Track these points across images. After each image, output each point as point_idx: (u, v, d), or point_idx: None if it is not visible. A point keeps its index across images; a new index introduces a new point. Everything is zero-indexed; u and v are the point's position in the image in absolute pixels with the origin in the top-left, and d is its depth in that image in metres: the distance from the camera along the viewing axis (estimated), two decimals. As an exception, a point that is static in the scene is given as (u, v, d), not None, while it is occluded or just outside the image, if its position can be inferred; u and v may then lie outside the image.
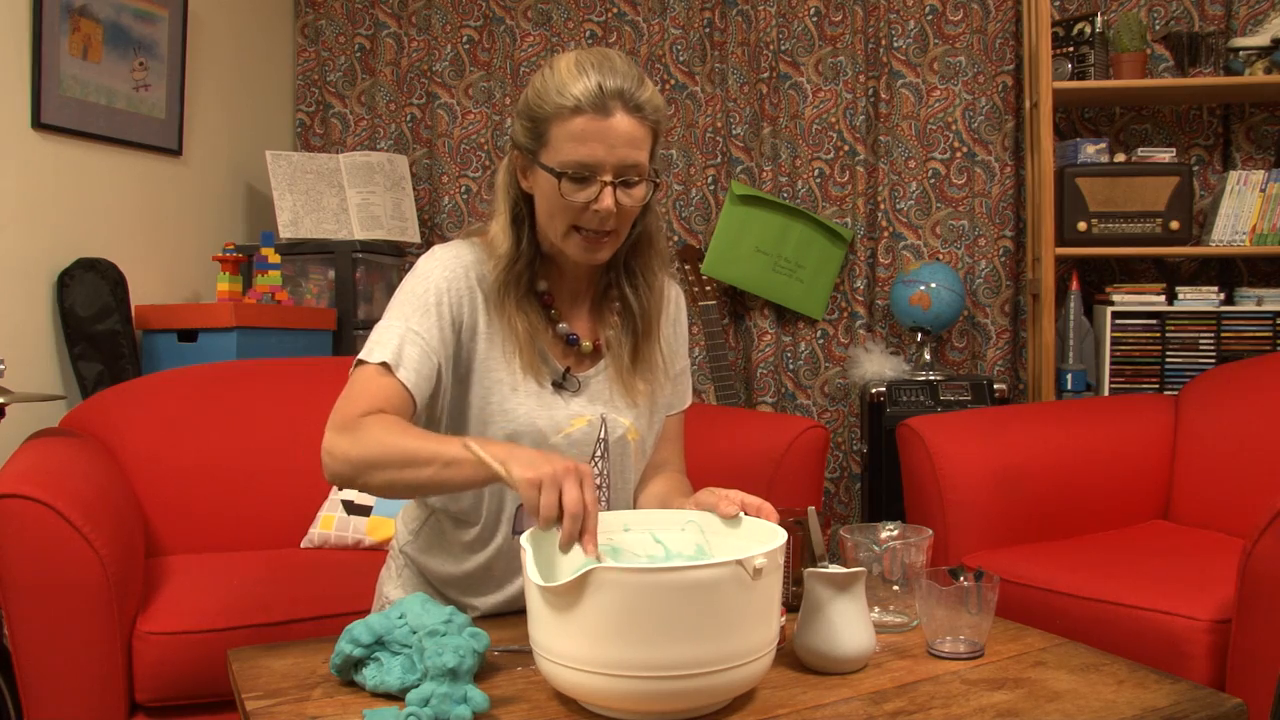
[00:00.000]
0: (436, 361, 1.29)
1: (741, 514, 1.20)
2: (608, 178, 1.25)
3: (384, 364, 1.25)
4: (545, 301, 1.39)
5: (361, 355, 1.28)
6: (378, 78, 3.40)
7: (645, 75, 1.29)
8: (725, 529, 1.19)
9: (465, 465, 1.13)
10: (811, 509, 1.32)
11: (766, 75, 3.19)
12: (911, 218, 3.16)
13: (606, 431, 1.39)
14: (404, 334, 1.27)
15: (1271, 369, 2.32)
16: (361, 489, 1.24)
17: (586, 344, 1.40)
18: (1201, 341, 2.79)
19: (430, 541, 1.43)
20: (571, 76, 1.24)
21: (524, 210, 1.35)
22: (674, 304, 1.52)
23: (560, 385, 1.37)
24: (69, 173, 2.49)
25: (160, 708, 1.68)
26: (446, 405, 1.36)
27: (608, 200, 1.25)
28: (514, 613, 1.36)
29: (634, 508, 1.48)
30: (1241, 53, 2.76)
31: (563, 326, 1.39)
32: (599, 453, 1.39)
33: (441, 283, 1.32)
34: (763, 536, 1.13)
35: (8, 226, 2.30)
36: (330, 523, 2.17)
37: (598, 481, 1.39)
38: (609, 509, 1.39)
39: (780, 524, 1.15)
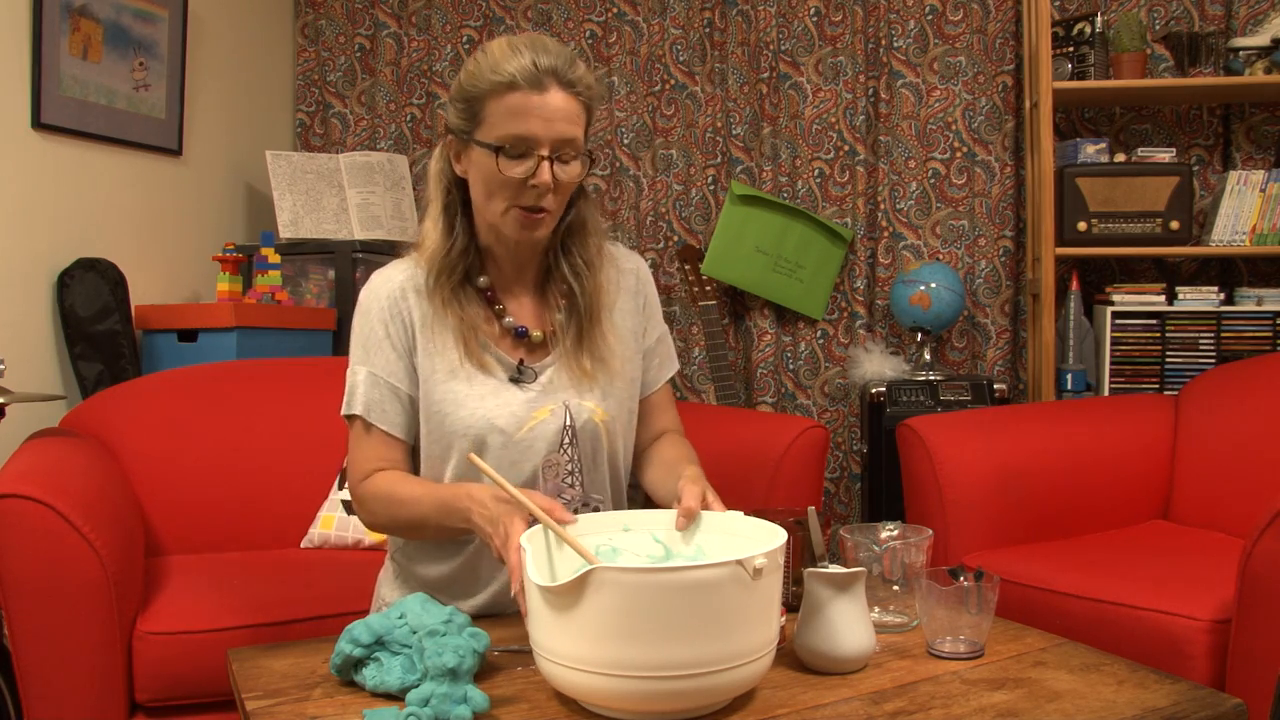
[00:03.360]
0: (405, 395, 1.36)
1: (740, 513, 1.20)
2: (545, 152, 1.27)
3: (362, 417, 1.35)
4: (489, 297, 1.39)
5: (343, 407, 1.38)
6: (378, 78, 3.40)
7: (577, 56, 1.32)
8: (725, 529, 1.19)
9: (454, 517, 1.26)
10: (811, 509, 1.32)
11: (766, 75, 3.19)
12: (911, 218, 3.16)
13: (571, 418, 1.38)
14: (367, 379, 1.36)
15: (1271, 369, 2.32)
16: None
17: (537, 334, 1.40)
18: (1201, 341, 2.79)
19: (419, 544, 1.43)
20: (505, 56, 1.27)
21: (457, 198, 1.37)
22: (634, 276, 1.50)
23: (517, 379, 1.37)
24: (69, 173, 2.49)
25: (160, 708, 1.68)
26: (421, 422, 1.38)
27: (545, 174, 1.27)
28: (499, 614, 1.36)
29: (642, 479, 1.49)
30: (1241, 53, 2.76)
31: (509, 320, 1.39)
32: (566, 440, 1.38)
33: (383, 313, 1.37)
34: (763, 536, 1.13)
35: (8, 226, 2.30)
36: (330, 523, 2.17)
37: (569, 468, 1.39)
38: (583, 494, 1.40)
39: (780, 524, 1.15)
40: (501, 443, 1.34)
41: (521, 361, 1.38)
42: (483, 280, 1.39)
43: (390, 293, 1.37)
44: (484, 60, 1.29)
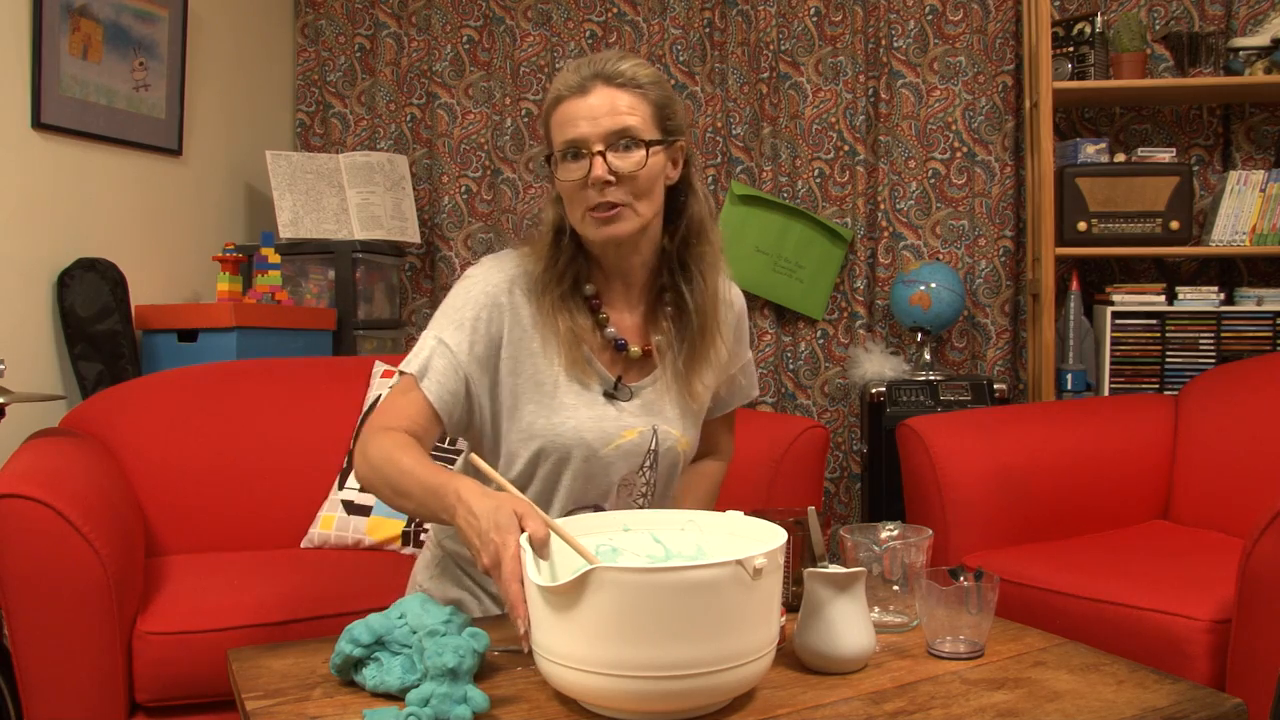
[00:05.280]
0: (463, 375, 1.32)
1: (740, 513, 1.20)
2: (597, 148, 1.28)
3: (414, 376, 1.31)
4: (593, 305, 1.38)
5: (401, 364, 1.34)
6: (378, 78, 3.40)
7: (634, 56, 1.34)
8: (725, 529, 1.19)
9: (440, 509, 1.17)
10: (811, 509, 1.32)
11: (766, 75, 3.19)
12: (911, 218, 3.16)
13: (657, 442, 1.38)
14: (435, 347, 1.32)
15: (1271, 369, 2.32)
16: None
17: (635, 349, 1.38)
18: (1201, 341, 2.79)
19: None
20: (559, 78, 1.33)
21: (566, 222, 1.37)
22: (735, 309, 1.52)
23: (612, 395, 1.36)
24: (69, 173, 2.49)
25: (160, 708, 1.68)
26: (488, 421, 1.36)
27: (598, 169, 1.28)
28: None
29: (687, 488, 1.52)
30: (1241, 53, 2.76)
31: (611, 331, 1.38)
32: (648, 464, 1.38)
33: (482, 297, 1.34)
34: (763, 536, 1.13)
35: (8, 226, 2.30)
36: (330, 523, 2.17)
37: (644, 491, 1.39)
38: None
39: (780, 524, 1.15)
40: (584, 456, 1.34)
41: (620, 379, 1.37)
42: (589, 288, 1.38)
43: (498, 281, 1.35)
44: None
